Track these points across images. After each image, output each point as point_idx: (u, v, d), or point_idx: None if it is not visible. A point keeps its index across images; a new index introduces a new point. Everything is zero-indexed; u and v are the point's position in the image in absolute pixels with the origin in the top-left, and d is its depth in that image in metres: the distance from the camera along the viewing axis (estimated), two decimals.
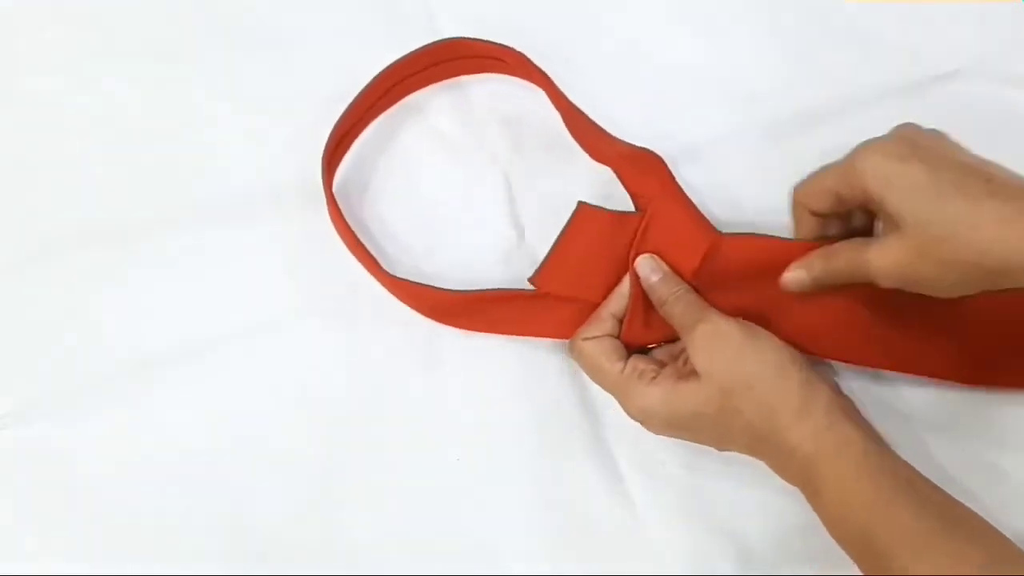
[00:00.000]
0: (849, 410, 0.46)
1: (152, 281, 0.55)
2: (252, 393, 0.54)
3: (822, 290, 0.48)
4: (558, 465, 0.52)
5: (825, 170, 0.47)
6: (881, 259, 0.44)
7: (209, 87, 0.58)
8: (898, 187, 0.43)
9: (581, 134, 0.55)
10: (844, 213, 0.48)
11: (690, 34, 0.58)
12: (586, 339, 0.49)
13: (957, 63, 0.57)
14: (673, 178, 0.51)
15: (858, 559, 0.43)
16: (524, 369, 0.53)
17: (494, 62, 0.56)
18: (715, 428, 0.46)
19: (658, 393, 0.47)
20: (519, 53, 0.54)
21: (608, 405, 0.50)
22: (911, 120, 0.46)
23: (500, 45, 0.55)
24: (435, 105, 0.58)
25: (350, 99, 0.56)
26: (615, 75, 0.57)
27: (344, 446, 0.53)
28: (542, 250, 0.55)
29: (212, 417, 0.53)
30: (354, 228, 0.53)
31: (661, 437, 0.49)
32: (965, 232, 0.41)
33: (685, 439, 0.48)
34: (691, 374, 0.47)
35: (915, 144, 0.44)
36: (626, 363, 0.49)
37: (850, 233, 0.49)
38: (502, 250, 0.55)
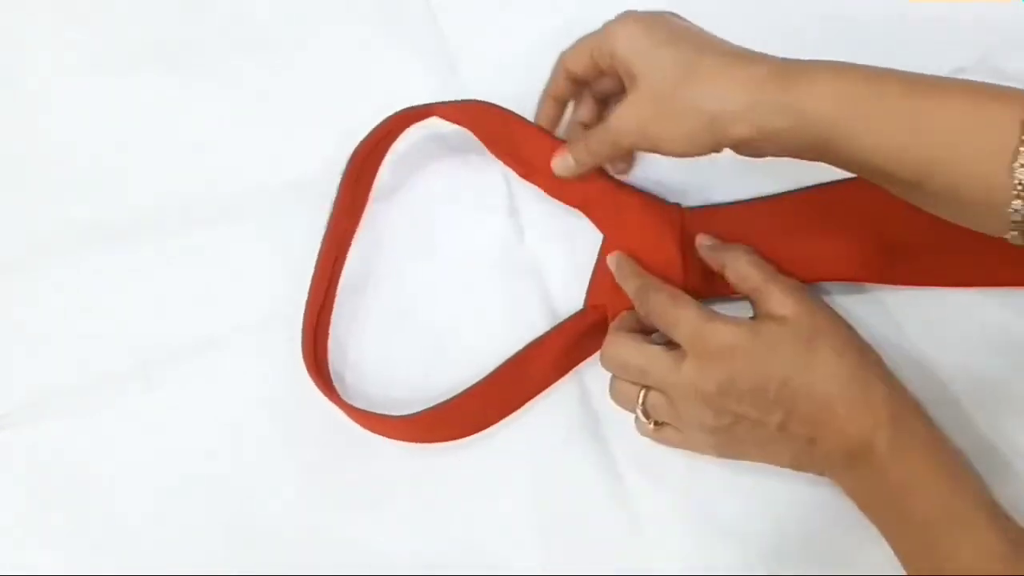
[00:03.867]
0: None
1: (152, 281, 0.55)
2: (253, 392, 0.54)
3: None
4: (557, 465, 0.52)
5: (587, 35, 0.50)
6: (621, 117, 0.47)
7: (207, 87, 0.58)
8: (640, 46, 0.46)
9: (506, 155, 0.55)
10: (597, 85, 0.52)
11: None
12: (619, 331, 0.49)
13: (957, 63, 0.56)
14: (608, 174, 0.52)
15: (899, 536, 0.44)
16: None
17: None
18: (788, 375, 0.44)
19: (743, 325, 0.45)
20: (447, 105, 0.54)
21: (607, 405, 0.50)
22: None
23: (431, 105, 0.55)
24: None
25: (350, 99, 0.56)
26: None
27: (344, 445, 0.53)
28: (542, 250, 0.55)
29: (213, 416, 0.54)
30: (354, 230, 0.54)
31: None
32: (689, 80, 0.44)
33: (749, 420, 0.45)
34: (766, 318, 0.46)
35: (664, 18, 0.47)
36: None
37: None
38: (502, 250, 0.55)
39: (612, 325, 0.50)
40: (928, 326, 0.52)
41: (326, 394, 0.51)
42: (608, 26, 0.48)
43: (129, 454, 0.53)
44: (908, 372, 0.52)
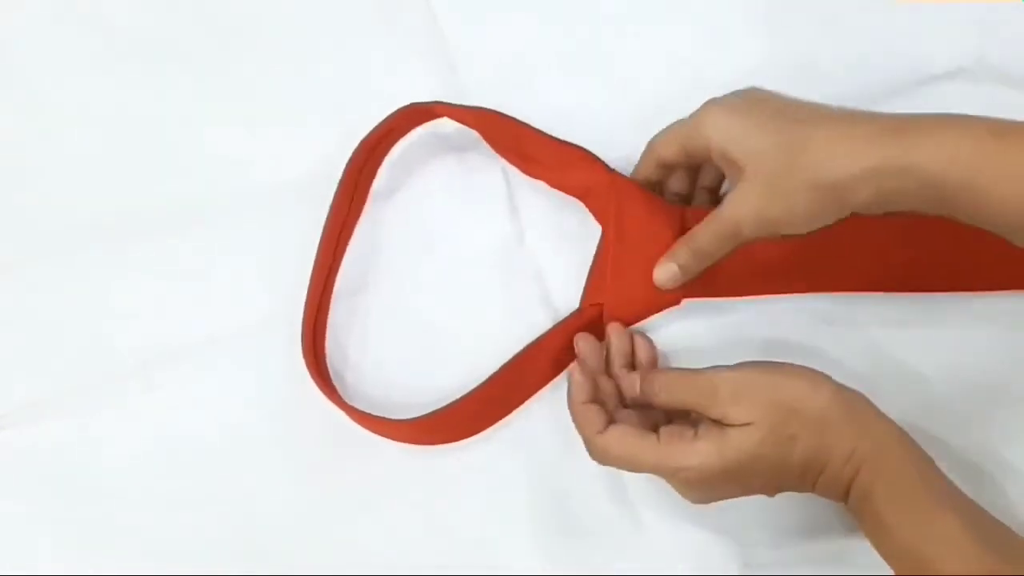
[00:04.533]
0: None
1: (153, 281, 0.55)
2: (253, 392, 0.54)
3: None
4: (558, 465, 0.52)
5: (678, 123, 0.48)
6: (734, 206, 0.45)
7: (205, 87, 0.58)
8: (735, 134, 0.44)
9: (517, 157, 0.55)
10: (691, 168, 0.51)
11: (689, 36, 0.58)
12: (600, 433, 0.46)
13: (957, 63, 0.56)
14: (611, 168, 0.52)
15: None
16: None
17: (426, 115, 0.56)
18: (772, 466, 0.44)
19: (709, 446, 0.43)
20: (448, 105, 0.54)
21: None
22: None
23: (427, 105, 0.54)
24: None
25: (350, 99, 0.57)
26: (612, 73, 0.57)
27: (344, 445, 0.53)
28: (542, 250, 0.55)
29: (213, 416, 0.53)
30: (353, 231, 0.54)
31: None
32: (800, 156, 0.42)
33: (734, 495, 0.46)
34: (730, 426, 0.44)
35: (753, 97, 0.46)
36: (655, 433, 0.45)
37: (694, 189, 0.52)
38: (502, 250, 0.55)
39: (574, 401, 0.48)
40: (924, 329, 0.52)
41: (326, 394, 0.51)
42: (695, 118, 0.46)
43: (129, 454, 0.53)
44: (903, 376, 0.52)
